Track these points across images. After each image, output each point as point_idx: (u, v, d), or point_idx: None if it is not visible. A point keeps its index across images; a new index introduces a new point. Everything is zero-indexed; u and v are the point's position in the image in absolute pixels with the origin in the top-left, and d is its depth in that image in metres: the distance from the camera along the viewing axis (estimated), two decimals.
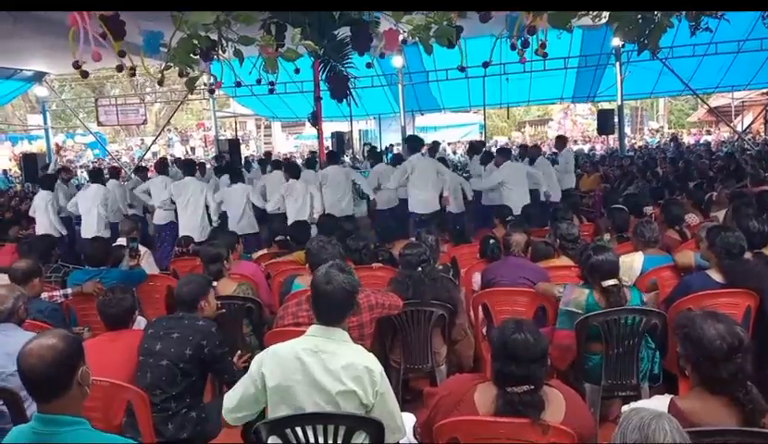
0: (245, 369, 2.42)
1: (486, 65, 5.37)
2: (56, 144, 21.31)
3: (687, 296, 3.43)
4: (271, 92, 5.02)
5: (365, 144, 20.22)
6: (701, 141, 22.83)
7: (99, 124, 20.18)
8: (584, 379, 3.37)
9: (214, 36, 2.90)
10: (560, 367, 3.45)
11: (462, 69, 4.96)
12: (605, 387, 3.30)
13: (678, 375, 3.02)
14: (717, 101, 24.48)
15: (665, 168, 12.10)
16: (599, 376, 3.31)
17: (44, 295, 4.09)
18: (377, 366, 2.25)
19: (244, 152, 20.30)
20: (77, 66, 3.22)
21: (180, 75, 2.99)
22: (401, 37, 4.82)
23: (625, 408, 1.98)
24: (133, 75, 2.69)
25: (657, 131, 32.35)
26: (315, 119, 10.85)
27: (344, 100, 9.85)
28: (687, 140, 26.18)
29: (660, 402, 2.07)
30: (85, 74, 3.03)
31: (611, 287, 3.26)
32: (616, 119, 15.48)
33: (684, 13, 3.80)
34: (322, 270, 2.41)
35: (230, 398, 2.40)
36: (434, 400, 2.27)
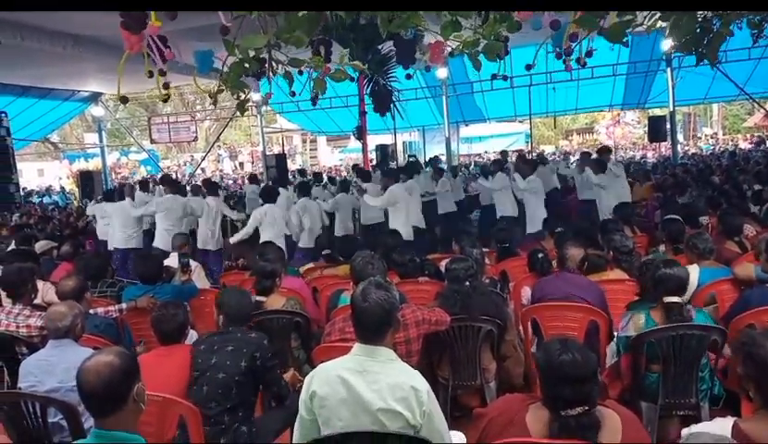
0: (297, 390, 2.42)
1: (529, 68, 5.25)
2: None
3: (747, 312, 3.27)
4: (314, 102, 5.07)
5: (409, 156, 20.23)
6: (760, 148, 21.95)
7: (152, 141, 20.90)
8: (640, 398, 3.24)
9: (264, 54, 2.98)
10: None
11: (504, 78, 4.86)
12: (662, 405, 3.16)
13: (741, 396, 2.89)
14: None
15: (721, 176, 11.64)
16: (656, 394, 3.17)
17: (100, 310, 4.20)
18: (423, 385, 2.21)
19: (290, 166, 20.61)
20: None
21: (232, 95, 3.10)
22: (447, 50, 4.78)
23: (684, 431, 1.90)
24: (168, 93, 2.79)
25: (711, 137, 31.31)
26: (360, 133, 10.98)
27: (387, 113, 9.93)
28: (744, 145, 25.25)
29: (722, 425, 1.97)
30: (125, 99, 3.16)
31: (672, 304, 3.11)
32: (668, 126, 15.06)
33: (745, 21, 3.65)
34: (360, 287, 2.40)
35: (296, 434, 2.41)
36: (484, 421, 2.22)
